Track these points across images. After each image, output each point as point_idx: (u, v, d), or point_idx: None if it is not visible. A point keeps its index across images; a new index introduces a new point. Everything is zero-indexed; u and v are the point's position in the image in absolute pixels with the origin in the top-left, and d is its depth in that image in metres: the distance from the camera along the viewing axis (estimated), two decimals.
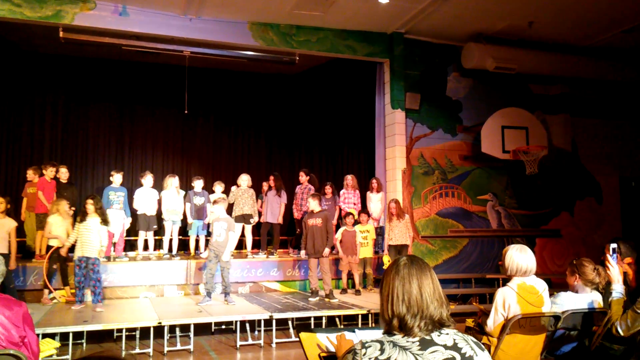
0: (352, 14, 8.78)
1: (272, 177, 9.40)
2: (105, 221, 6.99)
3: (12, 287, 6.68)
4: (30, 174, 8.48)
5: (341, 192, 9.25)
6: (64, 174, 8.46)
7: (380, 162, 9.90)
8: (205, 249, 8.43)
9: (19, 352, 2.75)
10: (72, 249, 7.04)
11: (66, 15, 7.99)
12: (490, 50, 9.45)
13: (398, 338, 1.73)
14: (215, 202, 7.44)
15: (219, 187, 9.06)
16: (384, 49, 9.70)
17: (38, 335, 3.84)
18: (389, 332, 1.79)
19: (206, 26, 8.80)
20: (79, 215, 7.00)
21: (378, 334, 1.82)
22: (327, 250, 7.38)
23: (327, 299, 7.36)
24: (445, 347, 1.71)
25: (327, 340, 2.54)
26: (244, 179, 8.99)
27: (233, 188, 8.96)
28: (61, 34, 8.20)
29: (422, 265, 1.84)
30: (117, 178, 8.56)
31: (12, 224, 6.80)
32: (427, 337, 1.73)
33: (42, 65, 10.84)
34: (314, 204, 7.47)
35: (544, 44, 9.93)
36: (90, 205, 6.88)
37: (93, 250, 6.82)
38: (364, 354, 1.70)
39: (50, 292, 7.17)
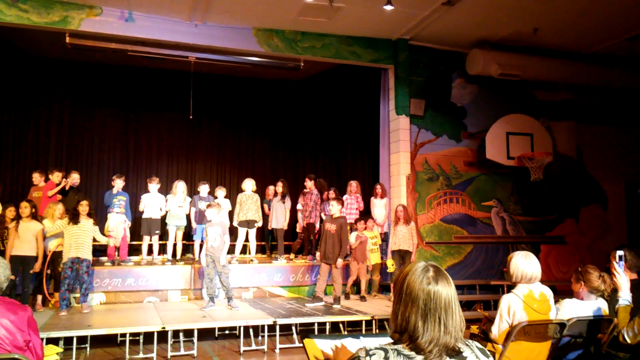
0: (357, 21, 8.81)
1: (281, 183, 9.40)
2: (96, 223, 7.09)
3: (26, 291, 6.71)
4: (37, 178, 8.50)
5: (344, 198, 9.23)
6: (75, 179, 8.49)
7: (385, 167, 9.89)
8: (199, 255, 8.43)
9: (23, 356, 2.75)
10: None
11: (72, 21, 8.05)
12: (495, 57, 9.45)
13: (402, 347, 1.69)
14: (209, 206, 7.46)
15: (220, 192, 9.08)
16: (389, 55, 9.72)
17: (42, 339, 3.84)
18: (397, 340, 1.73)
19: (211, 32, 8.84)
20: (70, 216, 6.97)
21: (382, 341, 1.78)
22: (340, 261, 7.31)
23: (333, 303, 7.35)
24: (450, 356, 1.68)
25: (325, 346, 2.52)
26: (248, 184, 9.01)
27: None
28: (67, 39, 8.26)
29: (447, 283, 1.71)
30: (118, 183, 8.58)
31: (38, 226, 6.86)
32: None
33: (48, 70, 10.91)
34: (334, 208, 7.46)
35: (549, 51, 9.92)
36: (85, 207, 6.91)
37: (87, 252, 6.84)
38: None
39: (45, 297, 7.15)
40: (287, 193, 9.39)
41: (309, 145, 12.92)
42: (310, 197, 9.23)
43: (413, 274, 1.74)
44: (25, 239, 6.73)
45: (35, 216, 6.98)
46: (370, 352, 1.68)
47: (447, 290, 1.70)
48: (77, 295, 7.26)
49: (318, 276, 7.62)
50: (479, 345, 1.77)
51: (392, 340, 1.74)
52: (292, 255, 9.63)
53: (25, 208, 6.83)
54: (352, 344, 2.31)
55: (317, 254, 7.60)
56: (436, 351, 1.64)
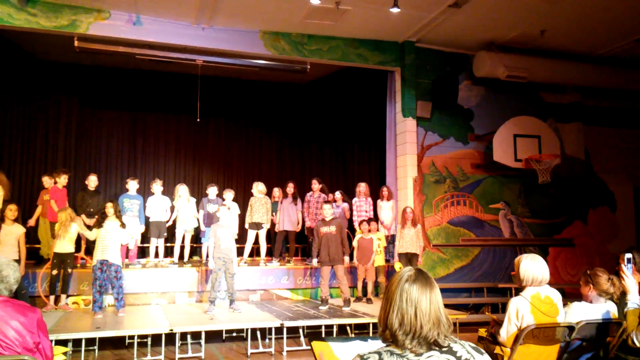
0: (363, 23, 8.81)
1: (292, 184, 9.40)
2: (123, 225, 7.07)
3: (24, 293, 6.74)
4: (47, 181, 8.55)
5: (354, 200, 9.22)
6: (92, 181, 8.52)
7: (391, 170, 9.88)
8: (206, 257, 8.44)
9: (33, 358, 2.77)
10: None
11: (81, 24, 8.11)
12: (501, 59, 9.42)
13: (394, 347, 1.77)
14: (223, 205, 7.47)
15: (229, 194, 9.10)
16: (395, 58, 9.72)
17: (51, 341, 3.87)
18: (384, 340, 1.82)
19: (218, 35, 8.88)
20: (97, 219, 7.01)
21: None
22: (347, 259, 7.35)
23: (343, 305, 7.37)
24: (441, 351, 1.75)
25: (337, 348, 2.54)
26: (255, 187, 9.05)
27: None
28: (76, 43, 8.31)
29: (425, 282, 1.81)
30: (132, 185, 8.62)
31: (20, 230, 6.86)
32: None
33: (57, 74, 10.98)
34: (328, 212, 7.46)
35: (556, 53, 9.88)
36: (110, 209, 6.91)
37: (115, 256, 6.83)
38: None
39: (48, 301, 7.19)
40: (297, 195, 9.41)
41: (315, 148, 12.93)
42: (321, 200, 9.22)
43: (396, 275, 1.88)
44: (8, 243, 6.69)
45: (26, 218, 7.00)
46: (365, 357, 1.76)
47: (424, 288, 1.80)
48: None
49: (321, 280, 7.60)
50: (472, 345, 1.82)
51: (386, 344, 1.82)
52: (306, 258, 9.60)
53: (13, 211, 6.81)
54: (361, 347, 2.32)
55: (315, 260, 7.55)
56: (416, 344, 1.73)
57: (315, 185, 9.29)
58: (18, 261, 6.66)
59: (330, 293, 7.84)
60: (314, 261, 7.56)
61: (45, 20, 7.92)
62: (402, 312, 1.76)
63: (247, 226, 8.95)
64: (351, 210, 9.28)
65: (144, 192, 10.68)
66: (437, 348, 1.74)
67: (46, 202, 8.31)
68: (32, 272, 7.36)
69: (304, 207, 9.43)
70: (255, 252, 9.73)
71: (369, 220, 8.53)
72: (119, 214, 7.02)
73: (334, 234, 7.36)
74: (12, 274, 3.01)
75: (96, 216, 7.32)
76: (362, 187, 9.21)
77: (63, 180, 8.22)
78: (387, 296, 1.83)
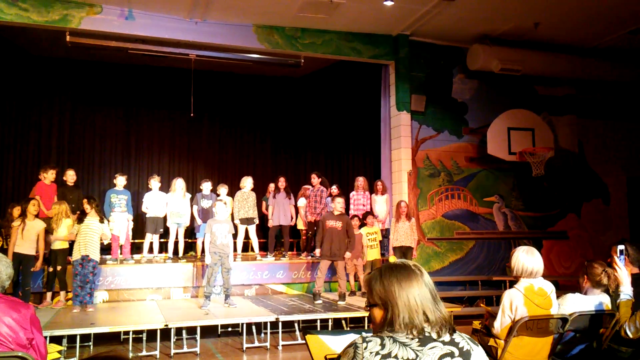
0: (357, 17, 8.79)
1: (283, 179, 9.38)
2: (102, 220, 7.07)
3: (27, 290, 6.72)
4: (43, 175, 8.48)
5: (351, 194, 9.20)
6: (70, 176, 8.44)
7: (386, 164, 9.89)
8: (202, 252, 8.43)
9: (26, 354, 2.76)
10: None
11: (73, 19, 8.04)
12: (495, 52, 9.43)
13: (397, 334, 1.72)
14: (219, 200, 7.46)
15: (223, 189, 9.07)
16: (389, 51, 9.70)
17: (45, 337, 3.85)
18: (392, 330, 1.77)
19: (211, 29, 8.83)
20: (77, 216, 6.99)
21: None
22: (348, 254, 7.36)
23: (338, 299, 7.38)
24: (444, 342, 1.72)
25: (332, 342, 2.54)
26: (248, 182, 9.02)
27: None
28: (68, 38, 8.27)
29: (421, 268, 1.83)
30: (120, 181, 8.55)
31: (41, 225, 6.87)
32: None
33: (49, 69, 10.92)
34: (339, 205, 7.45)
35: (550, 45, 9.90)
36: (87, 205, 6.92)
37: (93, 251, 6.84)
38: (365, 348, 1.70)
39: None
40: (289, 189, 9.40)
41: (310, 142, 12.94)
42: (319, 193, 9.21)
43: (390, 271, 1.82)
44: (28, 238, 6.74)
45: (38, 215, 7.01)
46: (367, 339, 1.72)
47: (422, 274, 1.80)
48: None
49: (318, 273, 7.60)
50: (468, 336, 1.81)
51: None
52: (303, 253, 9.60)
53: (35, 206, 6.85)
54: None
55: (317, 250, 7.53)
56: (443, 331, 1.72)
57: (315, 179, 9.27)
58: (37, 256, 6.73)
59: (329, 287, 7.84)
60: (317, 251, 7.53)
61: (36, 15, 7.85)
62: (424, 306, 1.73)
63: (237, 221, 8.91)
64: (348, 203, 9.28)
65: (139, 187, 10.66)
66: (440, 340, 1.72)
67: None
68: (42, 268, 7.33)
69: (307, 201, 9.40)
70: (250, 247, 9.72)
71: (364, 215, 8.53)
72: (97, 209, 7.03)
73: (338, 230, 7.34)
74: (4, 270, 2.99)
75: (77, 212, 7.30)
76: (361, 181, 9.20)
77: (50, 175, 8.10)
78: (388, 298, 1.75)
